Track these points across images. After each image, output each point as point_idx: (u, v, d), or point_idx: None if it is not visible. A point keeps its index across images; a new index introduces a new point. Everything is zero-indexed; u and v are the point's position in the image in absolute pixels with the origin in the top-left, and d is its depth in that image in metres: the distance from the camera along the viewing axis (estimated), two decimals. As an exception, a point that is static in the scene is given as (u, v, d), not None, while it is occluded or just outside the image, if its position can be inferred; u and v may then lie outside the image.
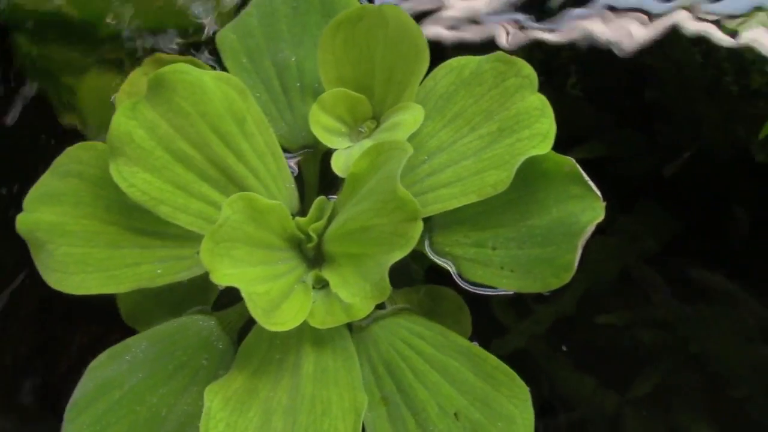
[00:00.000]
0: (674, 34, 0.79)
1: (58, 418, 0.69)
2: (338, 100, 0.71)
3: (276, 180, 0.70)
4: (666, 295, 0.79)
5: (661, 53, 0.80)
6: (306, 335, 0.67)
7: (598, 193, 0.65)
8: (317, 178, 0.75)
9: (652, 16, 0.80)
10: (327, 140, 0.71)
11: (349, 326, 0.68)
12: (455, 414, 0.66)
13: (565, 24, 0.81)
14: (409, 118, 0.68)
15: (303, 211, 0.71)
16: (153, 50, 0.84)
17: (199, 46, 0.84)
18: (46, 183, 0.70)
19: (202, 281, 0.69)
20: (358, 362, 0.66)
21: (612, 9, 0.82)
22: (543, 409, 0.73)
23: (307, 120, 0.71)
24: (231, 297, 0.72)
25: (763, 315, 0.78)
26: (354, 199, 0.66)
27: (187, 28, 0.85)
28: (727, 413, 0.76)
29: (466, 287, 0.70)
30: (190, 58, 0.76)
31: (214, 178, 0.68)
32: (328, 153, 0.72)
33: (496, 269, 0.68)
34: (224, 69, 0.75)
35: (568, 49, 0.81)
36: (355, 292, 0.63)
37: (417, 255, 0.68)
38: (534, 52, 0.82)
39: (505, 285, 0.68)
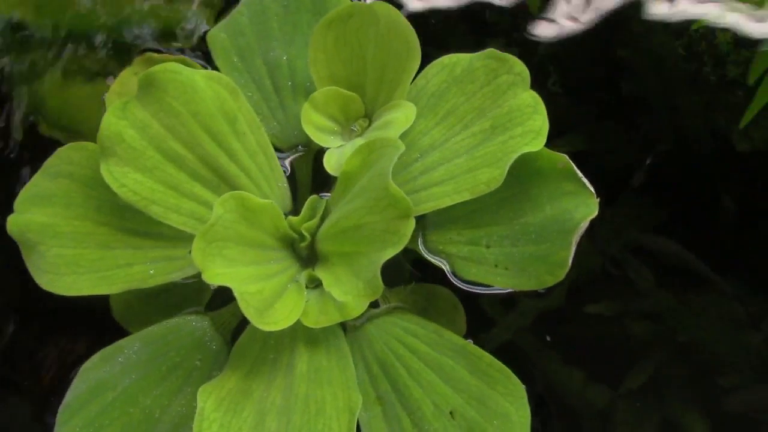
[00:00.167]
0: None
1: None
2: (330, 99, 0.71)
3: (268, 179, 0.70)
4: (653, 285, 0.79)
5: (638, 45, 0.80)
6: (299, 335, 0.67)
7: (592, 189, 0.65)
8: (310, 177, 0.75)
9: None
10: (319, 139, 0.71)
11: (343, 326, 0.68)
12: (451, 412, 0.65)
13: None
14: (401, 117, 0.68)
15: (296, 211, 0.71)
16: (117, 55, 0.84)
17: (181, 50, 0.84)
18: (36, 184, 0.70)
19: (196, 282, 0.69)
20: (352, 361, 0.66)
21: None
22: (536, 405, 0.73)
23: (299, 119, 0.71)
24: (225, 298, 0.72)
25: (750, 302, 0.78)
26: (346, 198, 0.66)
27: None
28: (718, 401, 0.76)
29: (460, 285, 0.70)
30: (180, 57, 0.76)
31: (206, 178, 0.68)
32: (321, 152, 0.72)
33: (490, 267, 0.68)
34: (214, 69, 0.75)
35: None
36: (347, 290, 0.63)
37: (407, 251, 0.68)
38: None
39: (500, 283, 0.67)
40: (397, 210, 0.61)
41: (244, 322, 0.69)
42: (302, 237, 0.68)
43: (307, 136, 0.71)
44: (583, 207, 0.65)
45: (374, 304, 0.68)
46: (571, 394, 0.76)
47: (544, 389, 0.76)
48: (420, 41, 0.68)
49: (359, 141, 0.69)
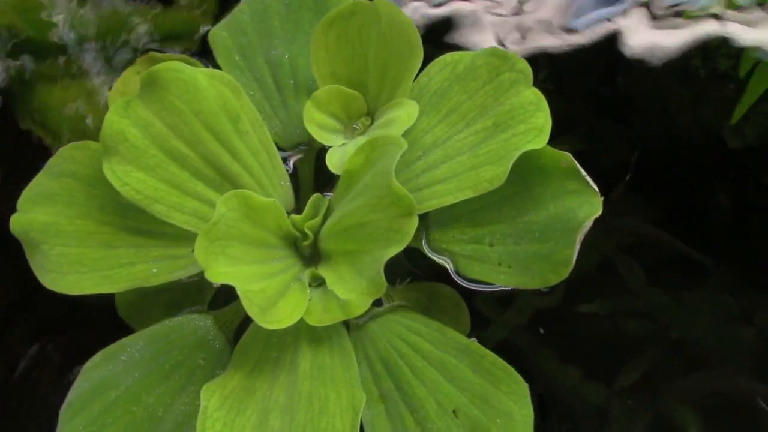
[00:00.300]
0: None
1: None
2: (332, 97, 0.71)
3: (271, 178, 0.70)
4: (645, 283, 0.79)
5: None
6: (303, 333, 0.67)
7: (595, 187, 0.65)
8: (312, 175, 0.75)
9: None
10: (321, 137, 0.71)
11: (346, 324, 0.68)
12: (454, 411, 0.65)
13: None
14: (403, 115, 0.68)
15: (298, 209, 0.71)
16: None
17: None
18: (39, 183, 0.70)
19: (198, 281, 0.69)
20: (356, 360, 0.66)
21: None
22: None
23: (302, 117, 0.71)
24: (228, 297, 0.72)
25: (743, 297, 0.78)
26: (349, 196, 0.66)
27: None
28: (710, 396, 0.76)
29: (463, 284, 0.70)
30: (183, 56, 0.76)
31: (209, 177, 0.68)
32: (323, 150, 0.72)
33: (494, 265, 0.67)
34: (216, 68, 0.75)
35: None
36: (351, 288, 0.63)
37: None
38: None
39: (503, 281, 0.67)
40: (400, 208, 0.61)
41: (246, 321, 0.68)
42: (305, 235, 0.68)
43: (309, 135, 0.71)
44: (586, 205, 0.65)
45: (377, 303, 0.68)
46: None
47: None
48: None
49: (362, 139, 0.69)
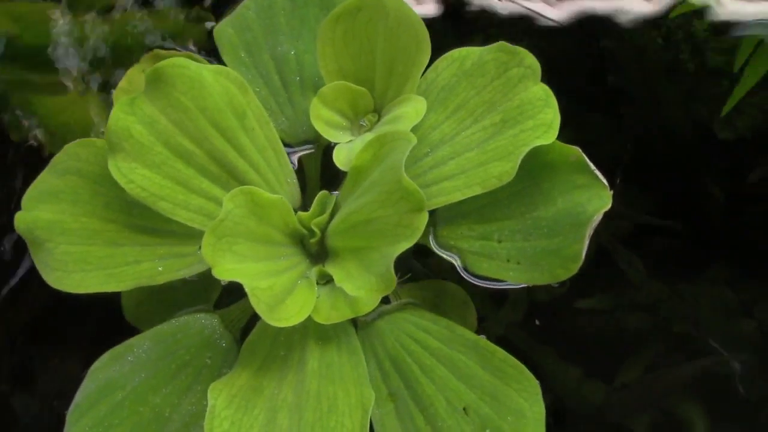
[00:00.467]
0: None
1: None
2: (339, 94, 0.71)
3: (277, 175, 0.69)
4: (644, 275, 0.79)
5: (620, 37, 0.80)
6: (310, 331, 0.66)
7: (605, 181, 0.64)
8: (319, 172, 0.74)
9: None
10: (328, 134, 0.71)
11: (354, 322, 0.67)
12: (464, 409, 0.65)
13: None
14: (411, 111, 0.68)
15: (305, 206, 0.71)
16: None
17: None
18: (44, 181, 0.69)
19: (204, 279, 0.69)
20: (364, 358, 0.65)
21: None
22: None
23: (308, 114, 0.71)
24: (233, 296, 0.71)
25: (741, 289, 0.78)
26: (357, 192, 0.65)
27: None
28: (713, 391, 0.75)
29: (472, 281, 0.70)
30: (188, 53, 0.75)
31: (215, 174, 0.67)
32: (330, 147, 0.71)
33: (502, 262, 0.67)
34: (221, 64, 0.74)
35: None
36: (360, 285, 0.62)
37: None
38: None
39: (512, 278, 0.67)
40: (410, 203, 0.60)
41: (253, 320, 0.68)
42: (312, 233, 0.68)
43: (315, 132, 0.71)
44: (596, 200, 0.64)
45: (385, 300, 0.68)
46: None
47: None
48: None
49: (369, 136, 0.68)
